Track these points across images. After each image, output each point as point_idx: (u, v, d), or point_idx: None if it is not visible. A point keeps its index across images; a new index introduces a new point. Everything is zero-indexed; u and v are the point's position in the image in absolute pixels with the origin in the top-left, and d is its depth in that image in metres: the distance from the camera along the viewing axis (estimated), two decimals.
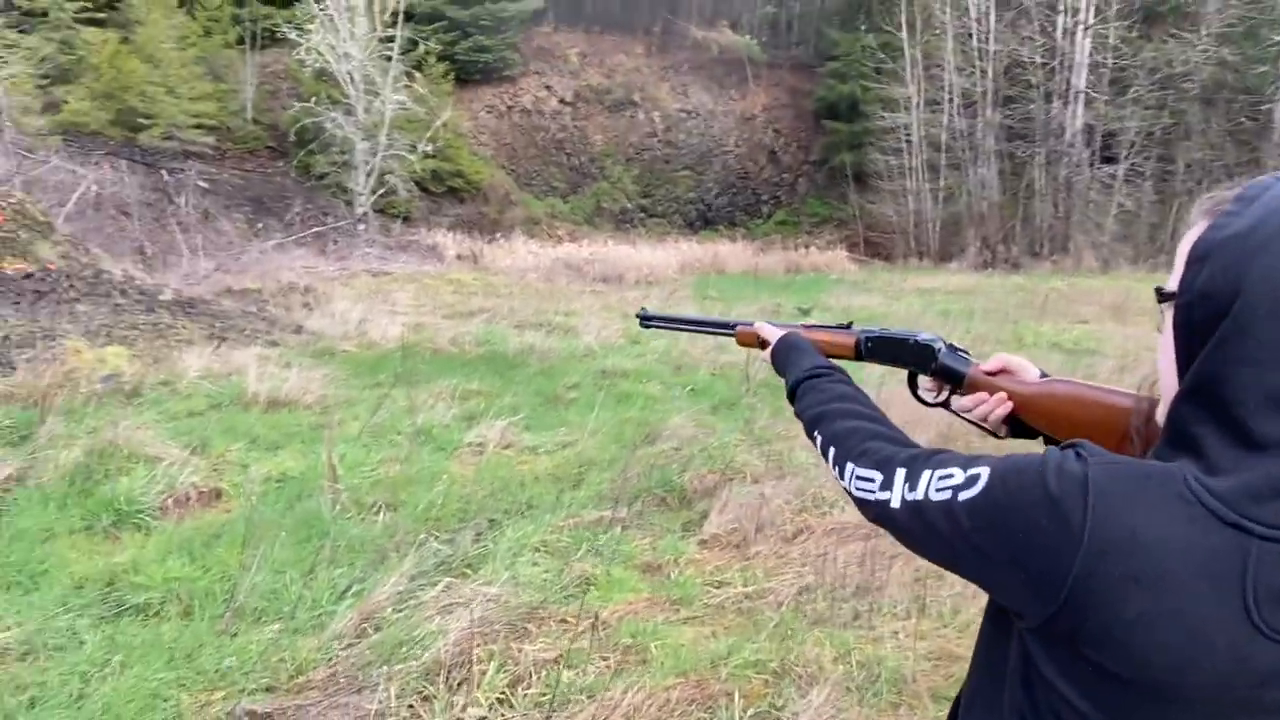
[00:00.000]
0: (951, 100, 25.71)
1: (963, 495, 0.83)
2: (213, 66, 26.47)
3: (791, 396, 1.25)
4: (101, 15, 24.60)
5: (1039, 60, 23.91)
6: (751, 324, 1.52)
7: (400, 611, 3.20)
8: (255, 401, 6.81)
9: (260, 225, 22.21)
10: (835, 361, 1.32)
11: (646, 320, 1.76)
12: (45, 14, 22.67)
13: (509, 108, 31.85)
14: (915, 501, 0.88)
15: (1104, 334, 10.64)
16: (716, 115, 34.25)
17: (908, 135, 26.39)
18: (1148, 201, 23.93)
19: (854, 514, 4.30)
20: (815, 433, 1.12)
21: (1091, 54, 23.85)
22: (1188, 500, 0.71)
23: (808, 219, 32.34)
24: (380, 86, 23.98)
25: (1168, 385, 0.81)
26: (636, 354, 9.41)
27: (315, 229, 22.27)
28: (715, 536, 4.13)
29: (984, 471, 0.82)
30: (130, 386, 6.96)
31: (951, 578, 3.47)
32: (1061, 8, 23.94)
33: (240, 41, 27.77)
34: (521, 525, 4.16)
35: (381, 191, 23.98)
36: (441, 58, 27.75)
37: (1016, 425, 1.12)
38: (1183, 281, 0.78)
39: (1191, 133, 23.92)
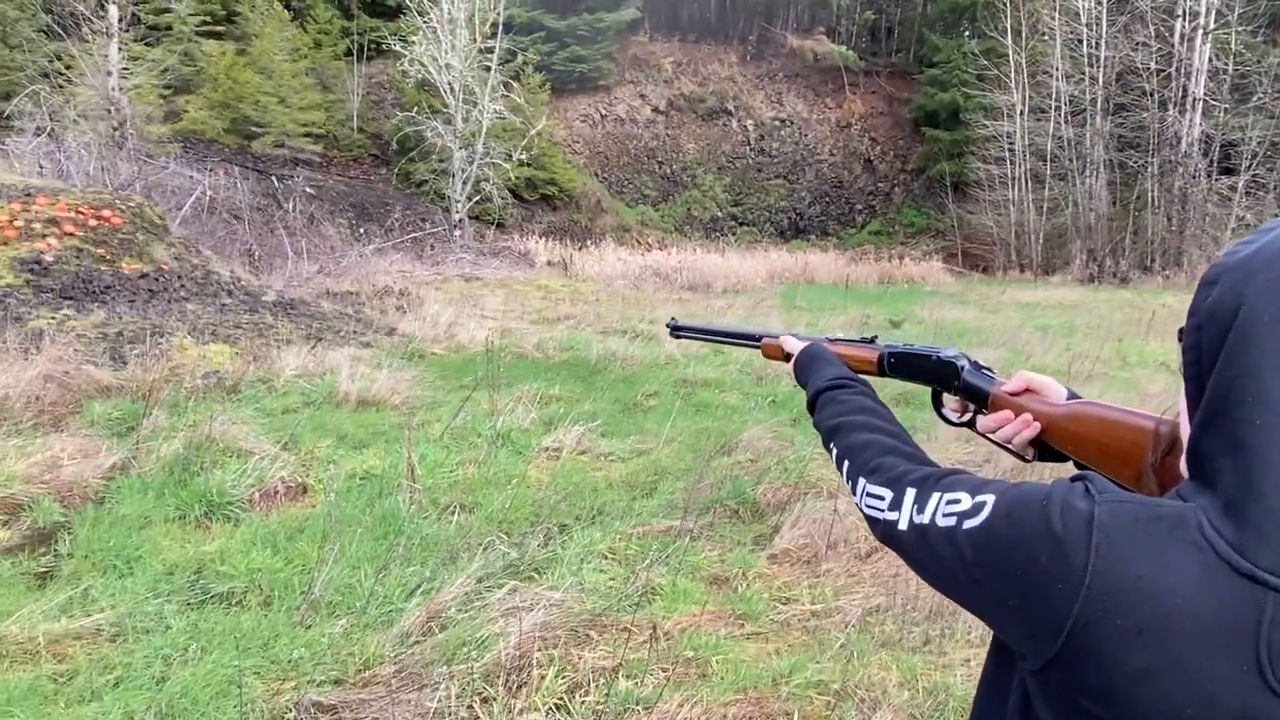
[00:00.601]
0: (1059, 108, 24.81)
1: (967, 524, 0.79)
2: (322, 77, 27.64)
3: (811, 407, 1.22)
4: (220, 28, 25.96)
5: (1154, 66, 22.85)
6: (777, 336, 1.49)
7: (466, 612, 3.24)
8: (346, 400, 7.04)
9: (362, 230, 23.00)
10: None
11: (677, 330, 1.76)
12: (169, 28, 24.02)
13: (603, 116, 32.21)
14: (921, 525, 0.85)
15: None
16: (811, 123, 33.90)
17: (1010, 144, 25.57)
18: (1270, 215, 22.57)
19: None
20: (831, 444, 1.09)
21: (1211, 60, 22.66)
22: (1200, 546, 0.66)
23: (903, 229, 31.67)
24: (479, 96, 24.57)
25: (1185, 432, 0.76)
26: (719, 364, 9.35)
27: (413, 234, 22.95)
28: (786, 551, 4.06)
29: (990, 500, 0.78)
30: (231, 383, 7.28)
31: None
32: (1180, 12, 22.83)
33: (348, 53, 28.92)
34: (591, 531, 4.17)
35: (477, 199, 24.55)
36: (538, 68, 28.28)
37: (1044, 447, 1.06)
38: (1192, 305, 0.74)
39: None
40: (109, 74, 15.68)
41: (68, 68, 17.10)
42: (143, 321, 8.31)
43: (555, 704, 2.73)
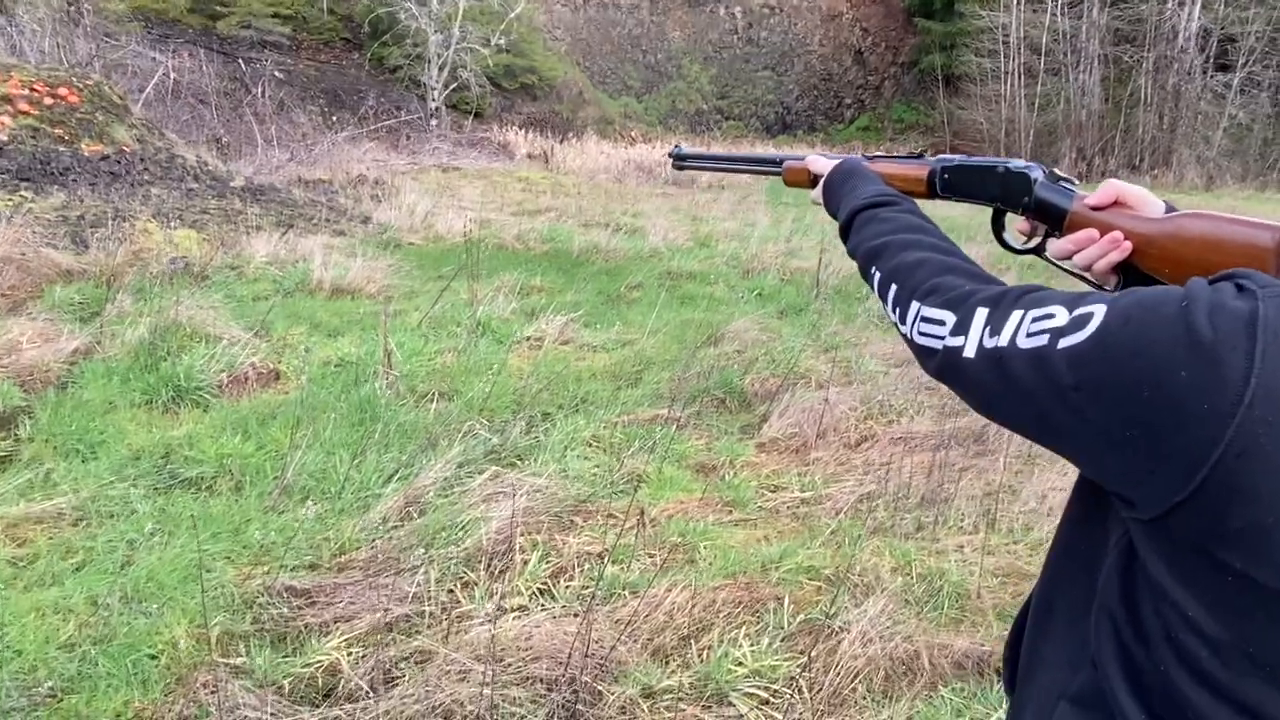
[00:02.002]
0: None
1: (1065, 341, 0.62)
2: None
3: (845, 232, 1.04)
4: None
5: None
6: (802, 158, 1.30)
7: (445, 497, 3.13)
8: (320, 288, 6.81)
9: (334, 118, 22.14)
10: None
11: (680, 160, 1.55)
12: None
13: (585, 1, 30.89)
14: (997, 349, 0.68)
15: None
16: (801, 12, 32.73)
17: (1005, 36, 24.84)
18: (1263, 114, 22.21)
19: (923, 423, 4.09)
20: (873, 269, 0.92)
21: None
22: None
23: (892, 125, 31.05)
24: None
25: None
26: (704, 256, 9.15)
27: (388, 123, 22.16)
28: (774, 440, 3.97)
29: (1098, 310, 0.62)
30: (199, 269, 7.01)
31: (1027, 492, 3.26)
32: None
33: None
34: (575, 419, 4.05)
35: (454, 86, 23.68)
36: None
37: (1131, 276, 0.88)
38: None
39: None
40: None
41: None
42: (105, 205, 7.95)
43: (539, 588, 2.65)
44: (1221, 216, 0.79)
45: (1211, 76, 22.60)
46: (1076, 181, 0.98)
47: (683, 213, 12.91)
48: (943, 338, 0.75)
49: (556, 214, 11.80)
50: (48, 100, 9.32)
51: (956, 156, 1.09)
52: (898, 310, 0.84)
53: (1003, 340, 0.68)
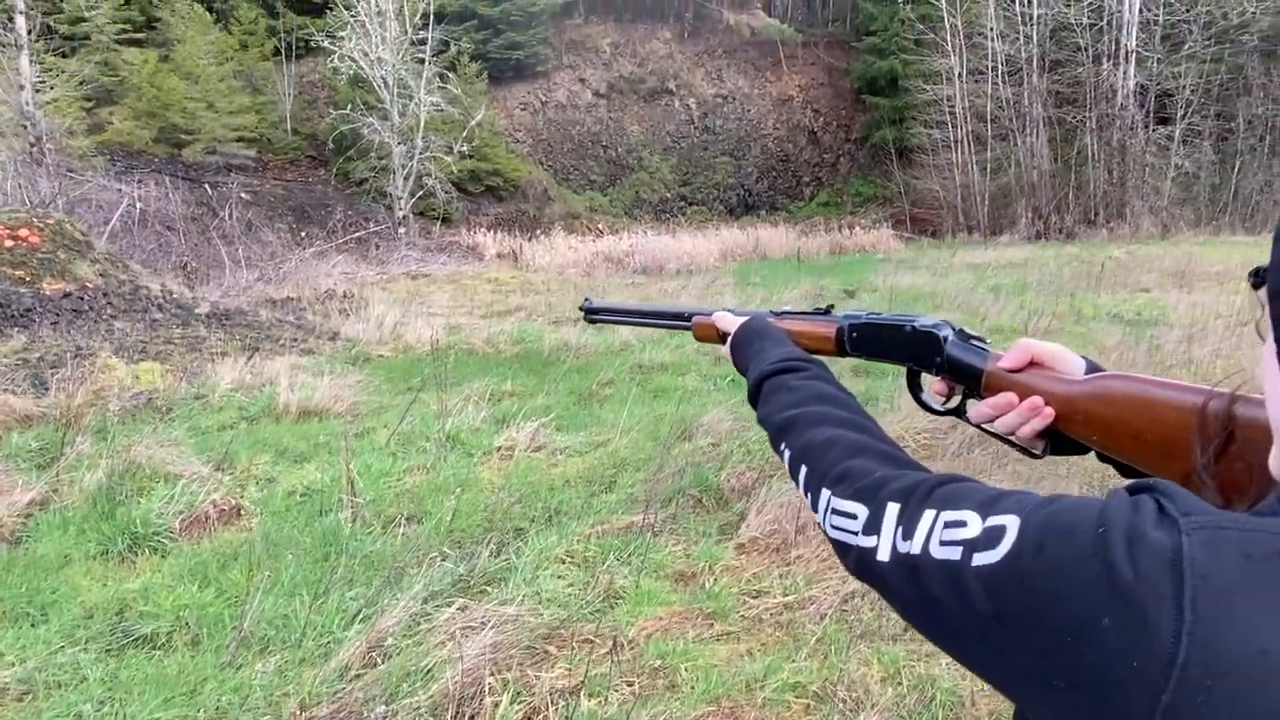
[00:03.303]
0: (996, 69, 24.91)
1: (978, 559, 0.55)
2: (251, 79, 26.82)
3: (754, 398, 0.98)
4: (141, 35, 25.07)
5: (1086, 21, 23.02)
6: (709, 313, 1.25)
7: (411, 637, 2.99)
8: (286, 412, 6.70)
9: (303, 234, 22.38)
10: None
11: (591, 314, 1.49)
12: (87, 37, 23.10)
13: (544, 103, 31.73)
14: (911, 557, 0.61)
15: (1168, 302, 10.07)
16: (753, 99, 33.73)
17: (951, 107, 25.65)
18: (1207, 162, 22.90)
19: None
20: (783, 445, 0.85)
21: (1142, 11, 22.88)
22: None
23: (851, 199, 31.70)
24: (414, 89, 24.00)
25: (1275, 412, 0.54)
26: (675, 345, 9.14)
27: (357, 235, 22.39)
28: (754, 540, 3.86)
29: (1010, 525, 0.55)
30: (162, 403, 6.90)
31: None
32: None
33: (276, 53, 28.10)
34: (547, 535, 3.93)
35: (420, 194, 24.03)
36: (474, 57, 27.73)
37: (1059, 439, 0.82)
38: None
39: (1252, 87, 22.81)
40: (21, 88, 14.94)
41: None
42: (66, 343, 7.87)
43: None
44: (1145, 379, 0.73)
45: (1154, 130, 23.36)
46: (988, 341, 0.93)
47: (653, 302, 12.98)
48: (856, 534, 0.68)
49: (526, 313, 11.83)
50: (8, 242, 9.33)
51: (863, 314, 1.04)
52: (810, 496, 0.78)
53: (915, 547, 0.61)
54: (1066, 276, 13.62)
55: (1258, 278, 0.54)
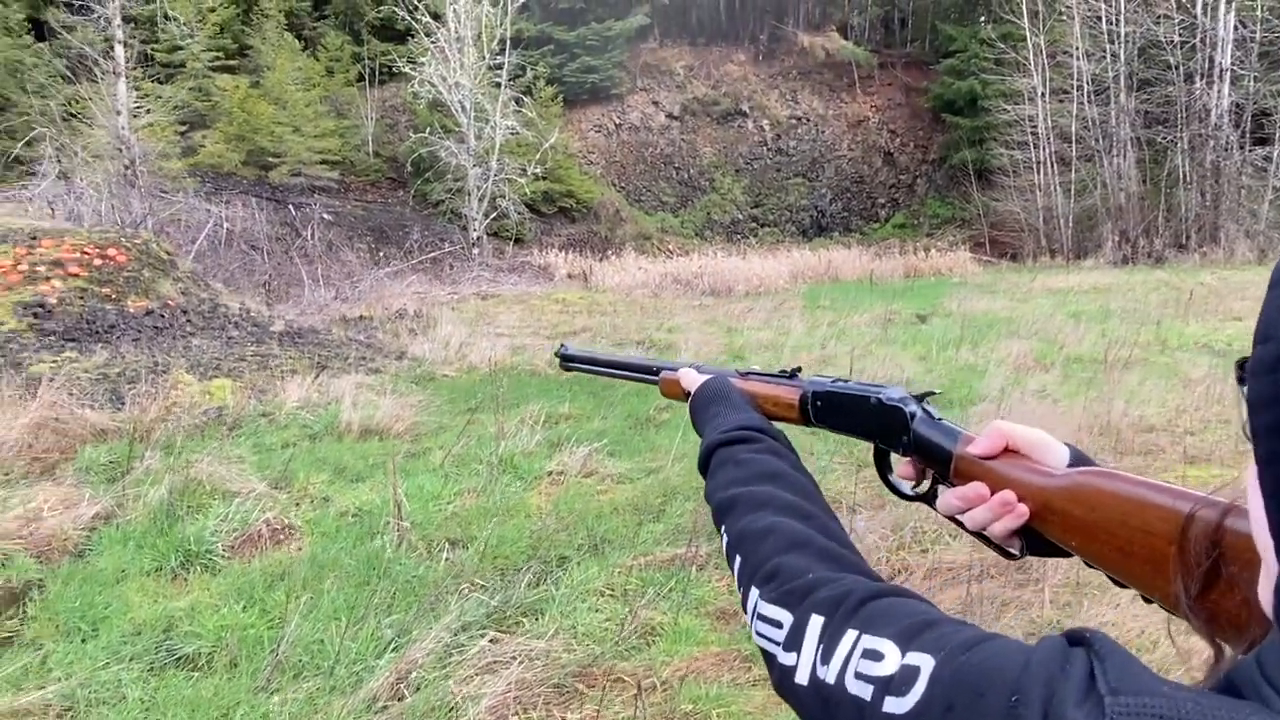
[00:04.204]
0: (1081, 88, 24.17)
1: (888, 704, 0.49)
2: (335, 104, 27.72)
3: (703, 469, 0.90)
4: (233, 62, 26.14)
5: (1177, 39, 22.16)
6: (676, 368, 1.17)
7: (441, 669, 2.95)
8: (348, 431, 6.80)
9: (381, 254, 22.97)
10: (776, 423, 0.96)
11: (566, 361, 1.43)
12: (183, 64, 24.22)
13: (617, 125, 32.01)
14: (825, 686, 0.55)
15: None
16: (828, 120, 33.43)
17: (1033, 127, 24.96)
18: None
19: (960, 551, 3.82)
20: (723, 528, 0.78)
21: (1237, 28, 21.91)
22: None
23: (928, 220, 31.08)
24: (490, 113, 24.46)
25: (1260, 535, 0.44)
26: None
27: (432, 255, 22.87)
28: None
29: (925, 668, 0.48)
30: (231, 419, 7.08)
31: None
32: None
33: (360, 79, 29.02)
34: (589, 565, 3.86)
35: (494, 215, 24.42)
36: (550, 81, 28.17)
37: (1036, 539, 0.72)
38: (1265, 318, 0.42)
39: None
40: (118, 113, 15.71)
41: (82, 110, 17.22)
42: (145, 359, 8.16)
43: None
44: (1133, 478, 0.62)
45: (1250, 150, 22.32)
46: (960, 426, 0.82)
47: (718, 324, 12.89)
48: (779, 645, 0.60)
49: (591, 334, 11.85)
50: (97, 261, 9.75)
51: (828, 379, 0.95)
52: (741, 590, 0.70)
53: (831, 675, 0.53)
54: (1153, 303, 13.05)
55: (1241, 370, 0.44)
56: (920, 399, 0.85)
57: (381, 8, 27.58)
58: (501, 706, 2.60)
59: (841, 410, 0.90)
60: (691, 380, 1.07)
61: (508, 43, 24.91)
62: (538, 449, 6.00)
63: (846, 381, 0.92)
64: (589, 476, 5.43)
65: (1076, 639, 0.44)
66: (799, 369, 1.00)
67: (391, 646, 3.14)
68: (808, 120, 33.43)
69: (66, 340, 8.31)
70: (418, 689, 2.84)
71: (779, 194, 32.40)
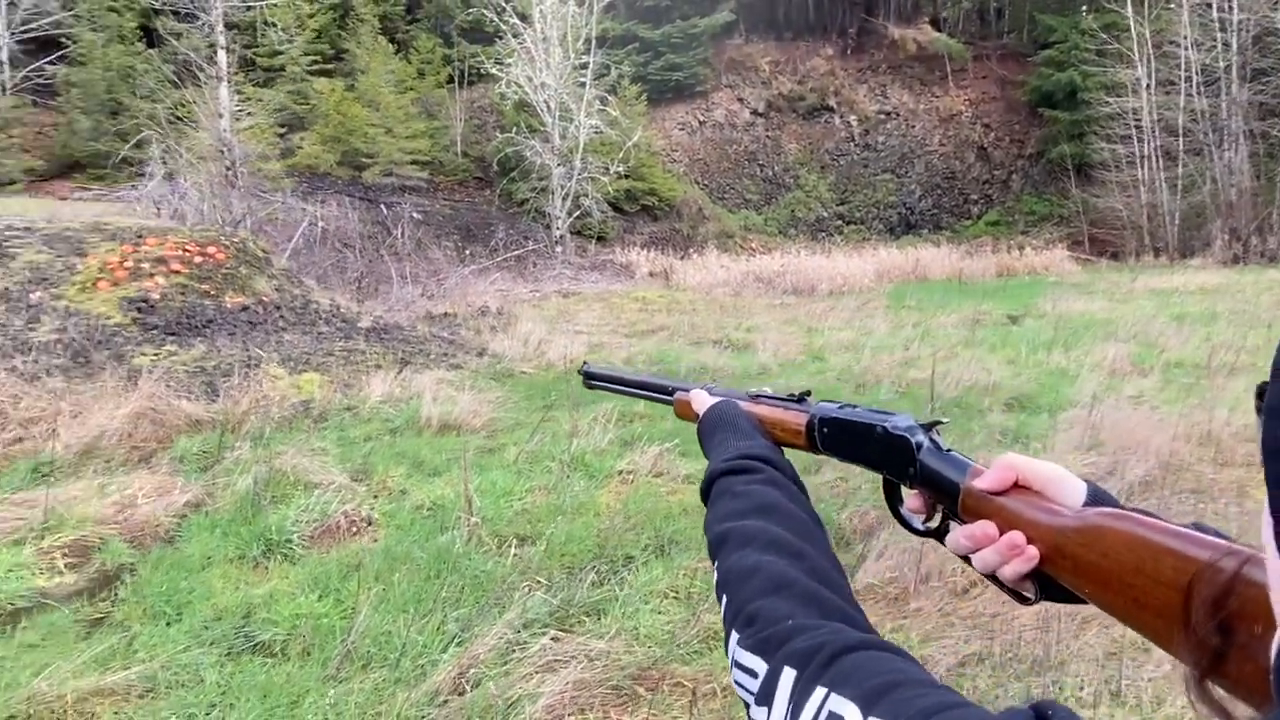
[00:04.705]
0: (1189, 79, 23.00)
1: None
2: (426, 105, 28.39)
3: (705, 497, 0.86)
4: (330, 66, 27.02)
5: None
6: (689, 389, 1.12)
7: (502, 666, 2.97)
8: (428, 425, 6.94)
9: (467, 251, 23.42)
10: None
11: (590, 379, 1.40)
12: (283, 69, 25.15)
13: (701, 123, 31.91)
14: None
15: None
16: (918, 114, 32.66)
17: (1137, 120, 23.87)
18: None
19: None
20: (715, 563, 0.75)
21: None
22: None
23: (1023, 217, 30.07)
24: (575, 113, 24.69)
25: (1276, 591, 0.38)
26: (815, 371, 8.89)
27: (516, 253, 23.21)
28: (869, 587, 3.63)
29: None
30: (318, 411, 7.31)
31: (1160, 652, 2.80)
32: None
33: (450, 80, 29.65)
34: (654, 566, 3.84)
35: (577, 214, 24.64)
36: (634, 79, 28.26)
37: (1051, 584, 0.65)
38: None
39: None
40: (221, 116, 16.41)
41: (187, 113, 18.05)
42: (241, 353, 8.49)
43: None
44: (1150, 522, 0.56)
45: None
46: (970, 458, 0.76)
47: (798, 324, 12.71)
48: (752, 696, 0.57)
49: (669, 333, 11.83)
50: (198, 259, 10.19)
51: (835, 405, 0.89)
52: (725, 632, 0.66)
53: None
54: (1264, 305, 12.32)
55: (1260, 399, 0.38)
56: (928, 428, 0.79)
57: (471, 10, 28.11)
58: (559, 706, 2.60)
59: (848, 439, 0.85)
60: (701, 402, 1.03)
61: (593, 42, 25.10)
62: (610, 448, 6.01)
63: (855, 408, 0.87)
64: (659, 477, 5.41)
65: (1042, 713, 0.40)
66: (808, 393, 0.95)
67: (456, 641, 3.19)
68: (897, 115, 32.72)
69: (167, 334, 8.71)
70: (478, 684, 2.87)
71: (866, 191, 31.80)
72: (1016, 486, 0.66)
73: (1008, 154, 31.72)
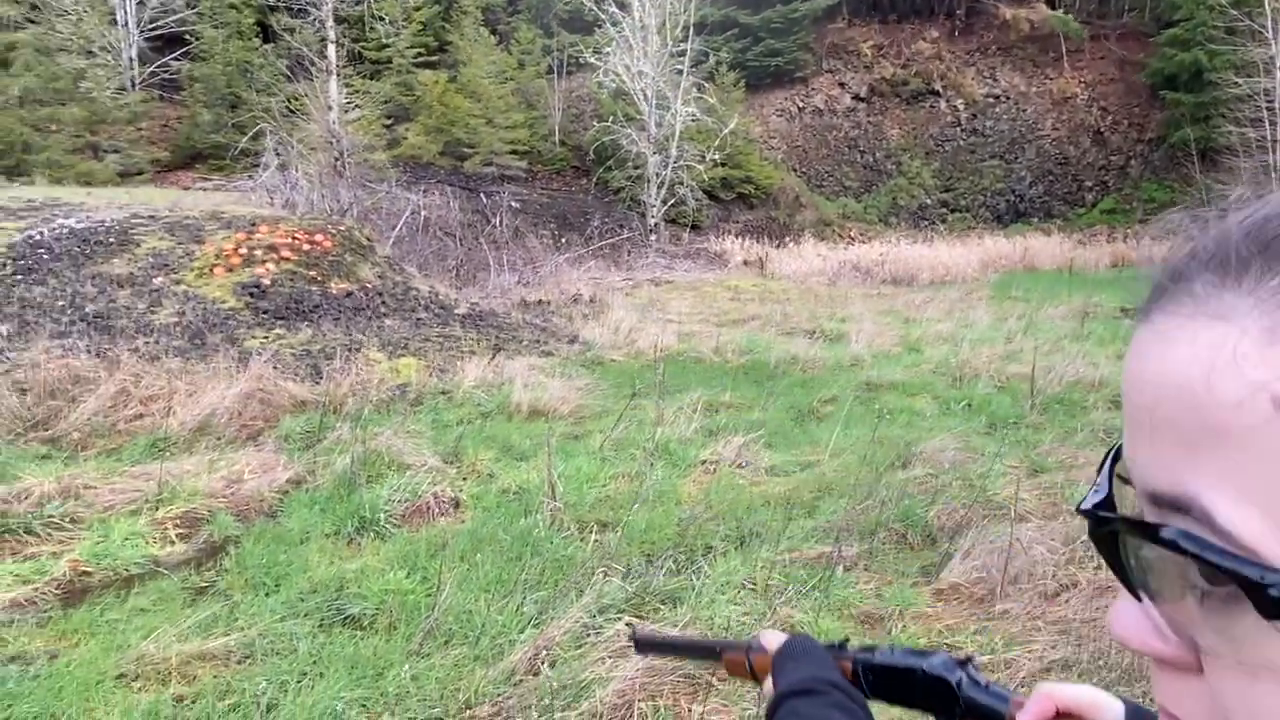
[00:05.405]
0: None
1: None
2: (526, 96, 28.80)
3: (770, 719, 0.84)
4: (434, 58, 27.67)
5: None
6: (746, 648, 1.00)
7: (578, 648, 3.02)
8: (518, 411, 7.09)
9: (563, 240, 23.71)
10: None
11: (639, 645, 1.19)
12: (389, 62, 25.90)
13: (800, 109, 31.41)
14: None
15: None
16: (1030, 97, 31.35)
17: (1270, 102, 22.32)
18: None
19: None
20: None
21: None
22: None
23: (1142, 205, 28.54)
24: (671, 100, 24.65)
25: None
26: (910, 363, 8.67)
27: (610, 241, 23.37)
28: (955, 587, 3.53)
29: None
30: (414, 395, 7.54)
31: None
32: None
33: (549, 71, 29.99)
34: (733, 557, 3.83)
35: (672, 202, 24.63)
36: (732, 66, 28.02)
37: None
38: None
39: None
40: (330, 109, 17.04)
41: (299, 106, 18.79)
42: (344, 338, 8.83)
43: None
44: None
45: None
46: (1008, 690, 0.74)
47: (895, 314, 12.42)
48: None
49: (760, 322, 11.73)
50: (306, 246, 10.62)
51: (875, 651, 0.86)
52: None
53: None
54: None
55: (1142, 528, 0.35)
56: (964, 664, 0.78)
57: (570, 0, 28.34)
58: (630, 691, 2.63)
59: (893, 684, 0.83)
60: (774, 638, 0.96)
61: (691, 29, 24.98)
62: (694, 437, 6.02)
63: (890, 651, 0.84)
64: (742, 467, 5.38)
65: None
66: (846, 640, 0.91)
67: (533, 622, 3.25)
68: (1007, 98, 31.49)
69: (276, 318, 9.12)
70: (553, 665, 2.92)
71: (972, 177, 30.75)
72: (1057, 715, 0.64)
73: (1126, 138, 30.16)
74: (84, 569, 4.01)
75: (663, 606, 3.38)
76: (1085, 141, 30.64)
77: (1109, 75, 31.09)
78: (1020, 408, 6.73)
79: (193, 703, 2.89)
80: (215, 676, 3.06)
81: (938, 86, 31.78)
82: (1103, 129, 30.57)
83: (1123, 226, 27.34)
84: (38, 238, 9.64)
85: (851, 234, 27.29)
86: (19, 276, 8.81)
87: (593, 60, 25.01)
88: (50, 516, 4.45)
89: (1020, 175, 30.69)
